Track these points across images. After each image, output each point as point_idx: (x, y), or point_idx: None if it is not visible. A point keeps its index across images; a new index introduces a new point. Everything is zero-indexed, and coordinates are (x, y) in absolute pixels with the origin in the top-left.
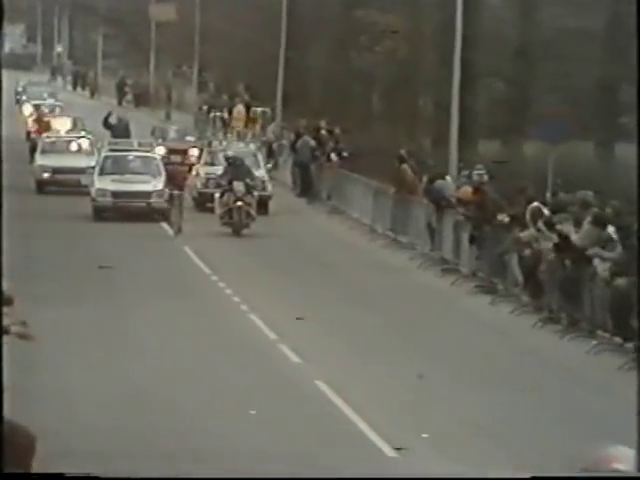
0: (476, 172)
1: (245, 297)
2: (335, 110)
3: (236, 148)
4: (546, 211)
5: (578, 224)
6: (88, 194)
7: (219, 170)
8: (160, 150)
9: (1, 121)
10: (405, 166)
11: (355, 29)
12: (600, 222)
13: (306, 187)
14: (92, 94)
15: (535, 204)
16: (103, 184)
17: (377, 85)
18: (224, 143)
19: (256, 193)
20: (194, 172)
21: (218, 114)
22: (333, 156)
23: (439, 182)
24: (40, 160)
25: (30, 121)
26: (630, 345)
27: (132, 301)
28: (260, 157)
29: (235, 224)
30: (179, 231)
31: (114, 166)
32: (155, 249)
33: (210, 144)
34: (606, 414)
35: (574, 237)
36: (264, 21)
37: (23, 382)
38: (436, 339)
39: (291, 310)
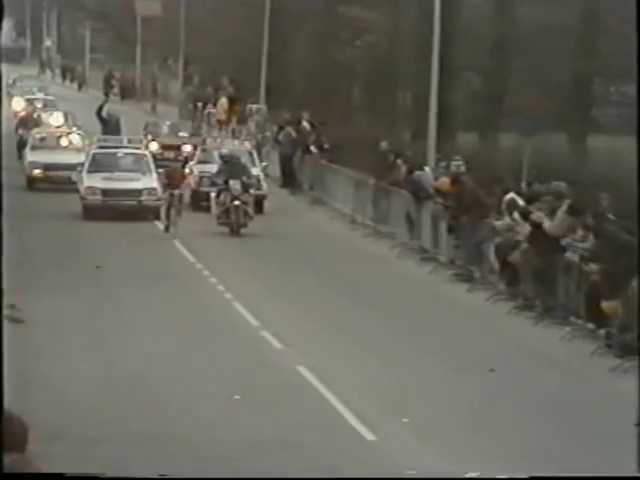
0: (454, 163)
1: (229, 286)
2: (317, 103)
3: (231, 146)
4: (521, 201)
5: (552, 213)
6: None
7: (213, 168)
8: (153, 146)
9: (1, 120)
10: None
11: (336, 24)
12: (575, 211)
13: (288, 178)
14: (80, 87)
15: (511, 194)
16: (92, 182)
17: (358, 79)
18: (218, 140)
19: (252, 191)
20: (187, 169)
21: (213, 111)
22: (313, 148)
23: (418, 173)
24: (31, 156)
25: (19, 114)
26: (602, 331)
27: (120, 290)
28: (255, 155)
29: (233, 224)
30: (175, 231)
31: (103, 163)
32: (147, 247)
33: (204, 142)
34: (579, 397)
35: (548, 226)
36: (248, 16)
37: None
38: (415, 325)
39: (273, 298)
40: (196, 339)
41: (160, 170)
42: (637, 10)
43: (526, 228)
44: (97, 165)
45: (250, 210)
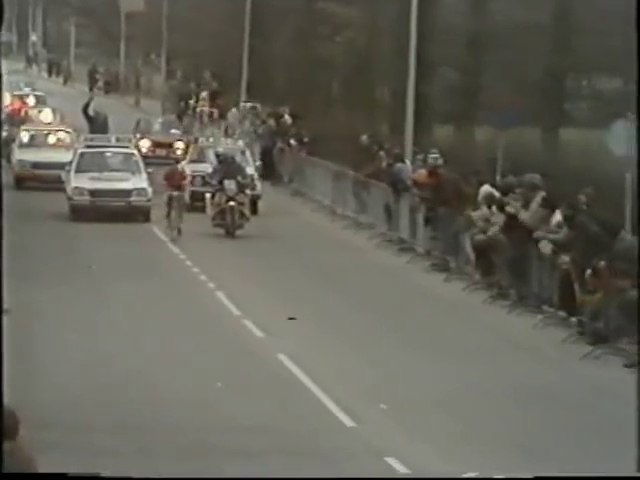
0: (431, 156)
1: (212, 276)
2: (297, 97)
3: (224, 145)
4: (496, 193)
5: (526, 205)
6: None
7: (207, 167)
8: (145, 143)
9: (2, 117)
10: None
11: (316, 20)
12: (549, 203)
13: (268, 170)
14: (65, 81)
15: (486, 186)
16: (80, 182)
17: (337, 73)
18: (211, 139)
19: (248, 192)
20: (179, 168)
21: (205, 109)
22: (292, 141)
23: (398, 165)
24: (19, 154)
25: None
26: (574, 319)
27: (105, 280)
28: (249, 154)
29: (228, 225)
30: (178, 234)
31: (91, 163)
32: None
33: (197, 140)
34: (551, 383)
35: (523, 216)
36: (229, 12)
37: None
38: (393, 314)
39: (254, 287)
40: (180, 328)
41: (149, 170)
42: (637, 10)
43: (501, 219)
44: (85, 165)
45: (246, 211)
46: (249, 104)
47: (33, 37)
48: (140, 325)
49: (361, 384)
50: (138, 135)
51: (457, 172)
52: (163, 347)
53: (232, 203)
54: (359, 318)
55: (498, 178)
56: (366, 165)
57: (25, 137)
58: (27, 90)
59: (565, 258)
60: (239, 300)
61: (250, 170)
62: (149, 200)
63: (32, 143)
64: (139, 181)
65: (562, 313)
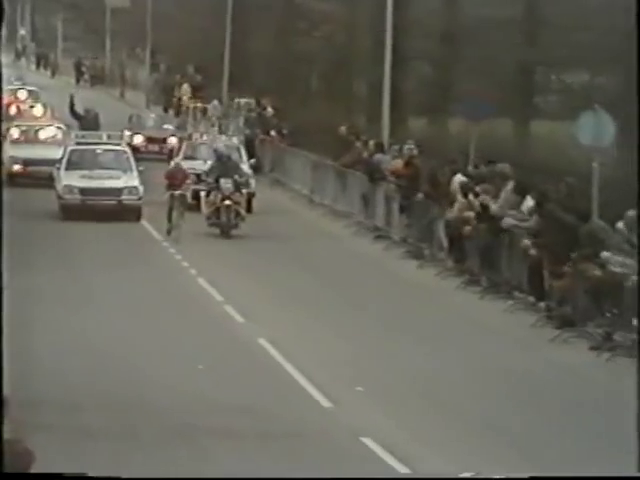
0: (406, 147)
1: (194, 263)
2: (277, 90)
3: (218, 141)
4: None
5: (497, 195)
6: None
7: (201, 164)
8: (138, 139)
9: (1, 115)
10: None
11: (295, 15)
12: (520, 190)
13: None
14: (53, 74)
15: (459, 175)
16: (70, 180)
17: (316, 67)
18: (204, 137)
19: (245, 191)
20: (172, 164)
21: (199, 105)
22: (272, 132)
23: (378, 156)
24: (10, 151)
25: None
26: (542, 304)
27: (89, 269)
28: (243, 151)
29: (223, 224)
30: (178, 234)
31: (82, 161)
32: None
33: (190, 137)
34: (521, 365)
35: (493, 207)
36: (211, 7)
37: None
38: (369, 299)
39: (235, 274)
40: (163, 312)
41: (141, 167)
42: (637, 10)
43: (476, 208)
44: (75, 162)
45: (242, 210)
46: (243, 100)
47: (22, 31)
48: (127, 312)
49: (338, 367)
50: (130, 131)
51: (432, 162)
52: (149, 332)
53: (227, 202)
54: (337, 303)
55: (470, 168)
56: (344, 155)
57: (16, 133)
58: (18, 84)
59: (527, 243)
60: (221, 286)
61: (245, 168)
62: (140, 199)
63: (23, 139)
64: (130, 179)
65: (531, 298)
